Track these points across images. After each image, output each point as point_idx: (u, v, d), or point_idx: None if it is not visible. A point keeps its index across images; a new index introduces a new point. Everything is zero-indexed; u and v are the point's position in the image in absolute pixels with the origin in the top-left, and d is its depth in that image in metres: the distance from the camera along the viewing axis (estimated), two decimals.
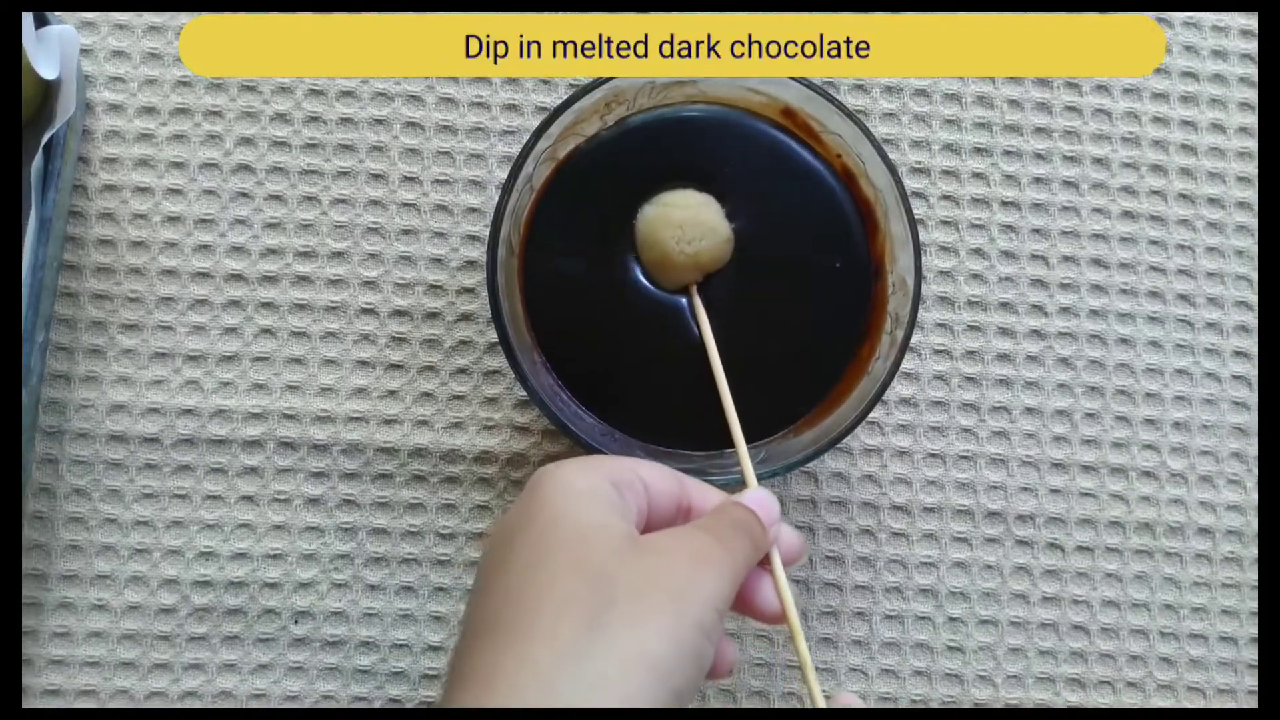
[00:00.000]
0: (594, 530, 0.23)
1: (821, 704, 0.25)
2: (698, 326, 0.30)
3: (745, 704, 0.34)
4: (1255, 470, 0.35)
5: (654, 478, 0.26)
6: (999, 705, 0.34)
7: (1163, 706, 0.34)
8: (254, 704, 0.32)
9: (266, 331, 0.33)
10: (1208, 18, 0.36)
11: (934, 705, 0.34)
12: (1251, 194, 0.36)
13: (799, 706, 0.34)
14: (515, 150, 0.34)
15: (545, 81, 0.34)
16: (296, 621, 0.33)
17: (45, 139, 0.30)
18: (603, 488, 0.25)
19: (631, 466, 0.26)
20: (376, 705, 0.33)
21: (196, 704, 0.32)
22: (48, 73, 0.30)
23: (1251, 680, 0.35)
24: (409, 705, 0.33)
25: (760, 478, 0.29)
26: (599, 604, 0.22)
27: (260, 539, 0.33)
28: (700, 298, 0.30)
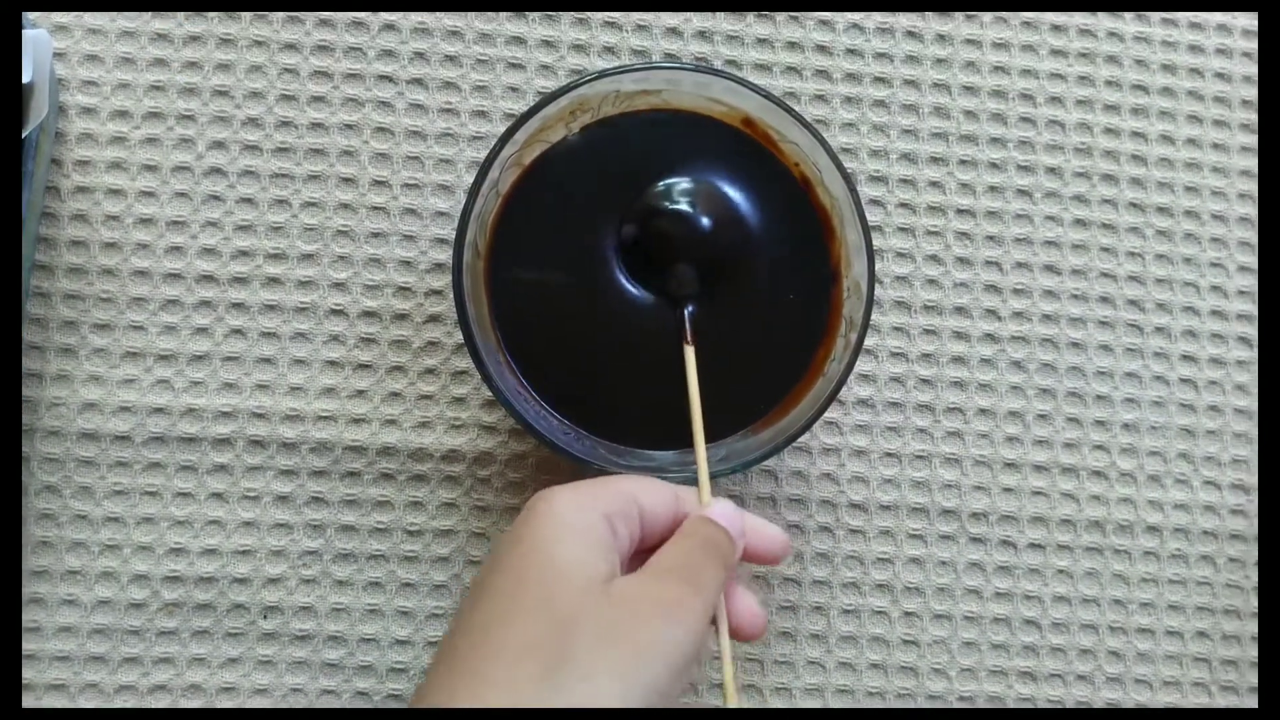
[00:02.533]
0: (570, 568, 0.24)
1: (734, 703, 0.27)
2: (685, 336, 0.31)
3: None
4: (1201, 470, 0.36)
5: (650, 500, 0.26)
6: (954, 697, 0.35)
7: (1111, 697, 0.36)
8: (223, 697, 0.33)
9: (237, 332, 0.34)
10: (1158, 32, 0.37)
11: (890, 697, 0.35)
12: (1198, 203, 0.37)
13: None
14: (483, 155, 0.35)
15: (513, 89, 0.35)
16: (265, 616, 0.33)
17: None
18: (593, 521, 0.25)
19: (630, 492, 0.26)
20: (344, 698, 0.33)
21: (166, 697, 0.33)
22: (22, 75, 0.30)
23: (1197, 673, 0.36)
24: (376, 698, 0.33)
25: (720, 475, 0.30)
26: (558, 655, 0.23)
27: (230, 535, 0.33)
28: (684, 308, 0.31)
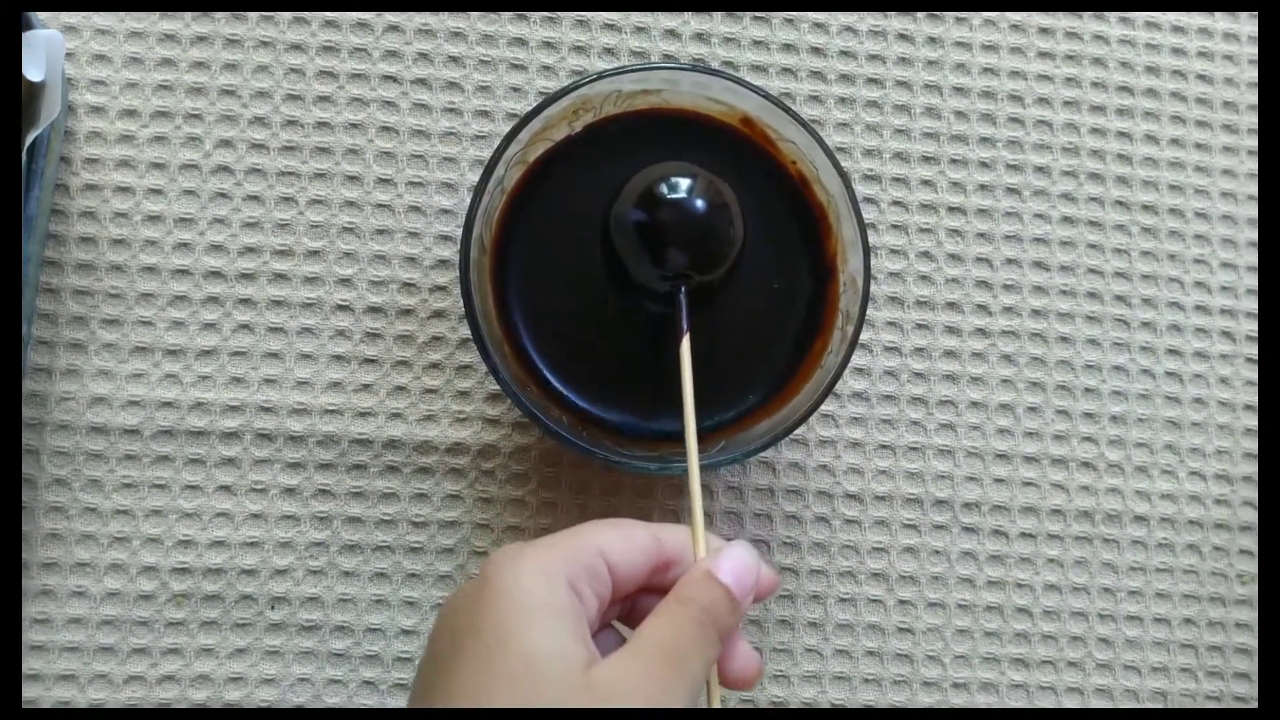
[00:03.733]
0: (544, 662, 0.22)
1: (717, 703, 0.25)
2: (682, 323, 0.29)
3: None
4: (1187, 461, 0.37)
5: (621, 553, 0.24)
6: (947, 684, 0.36)
7: (1101, 683, 0.36)
8: (231, 687, 0.34)
9: (244, 327, 0.34)
10: (1142, 35, 0.38)
11: (885, 684, 0.36)
12: (1182, 201, 0.38)
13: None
14: (486, 154, 0.35)
15: (515, 89, 0.36)
16: (273, 607, 0.34)
17: (30, 140, 0.31)
18: (558, 593, 0.23)
19: (597, 547, 0.24)
20: (351, 687, 0.34)
21: (174, 688, 0.33)
22: (34, 75, 0.31)
23: (1184, 659, 0.37)
24: (383, 687, 0.34)
25: (719, 465, 0.31)
26: None
27: (238, 527, 0.34)
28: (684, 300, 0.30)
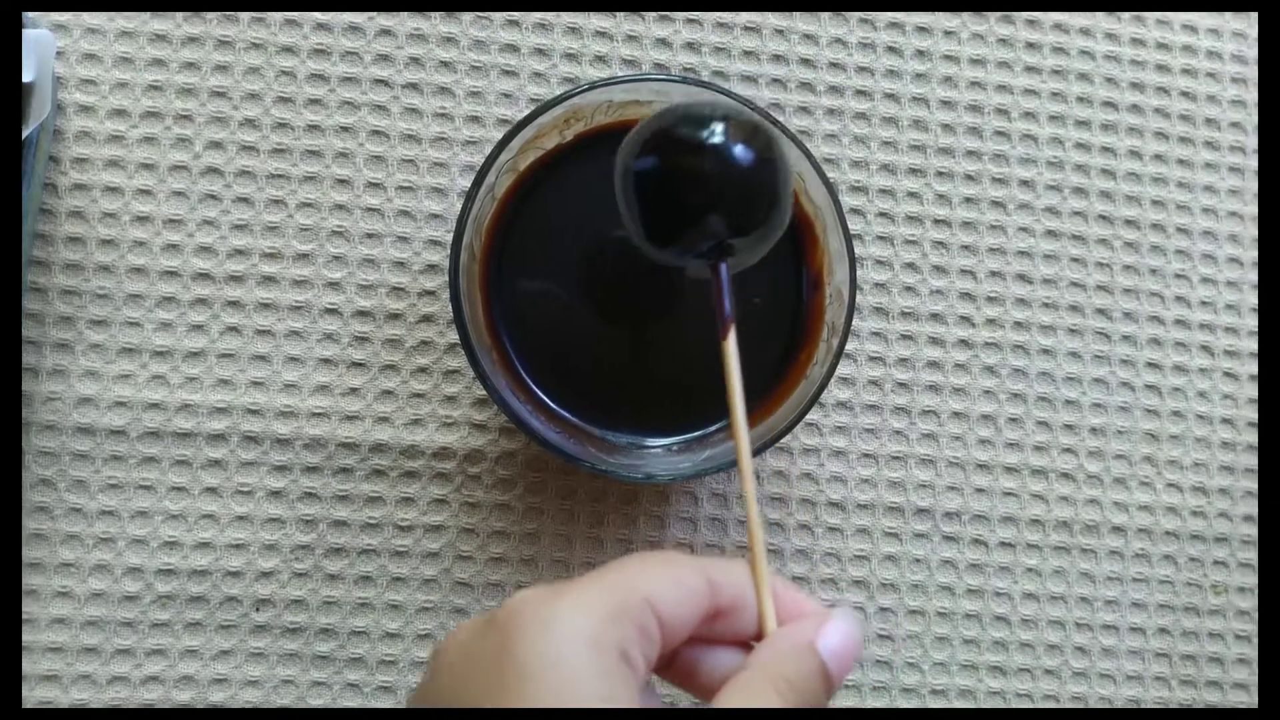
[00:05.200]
0: None
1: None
2: (725, 308, 0.24)
3: None
4: (1164, 473, 0.38)
5: (671, 603, 0.20)
6: (926, 690, 0.36)
7: (1077, 691, 0.37)
8: (215, 688, 0.34)
9: (232, 329, 0.35)
10: (1127, 52, 0.39)
11: (865, 690, 0.36)
12: (1164, 216, 0.39)
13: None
14: (477, 160, 0.36)
15: (506, 95, 0.36)
16: (258, 609, 0.34)
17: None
18: (613, 678, 0.18)
19: (644, 599, 0.19)
20: (335, 689, 0.34)
21: (158, 689, 0.33)
22: (24, 75, 0.30)
23: (1158, 668, 0.37)
24: (366, 690, 0.34)
25: (704, 474, 0.31)
26: None
27: (223, 529, 0.34)
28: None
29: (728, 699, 0.20)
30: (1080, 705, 0.37)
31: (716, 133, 0.24)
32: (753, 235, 0.25)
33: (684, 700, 0.35)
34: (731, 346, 0.24)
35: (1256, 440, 0.39)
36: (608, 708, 0.18)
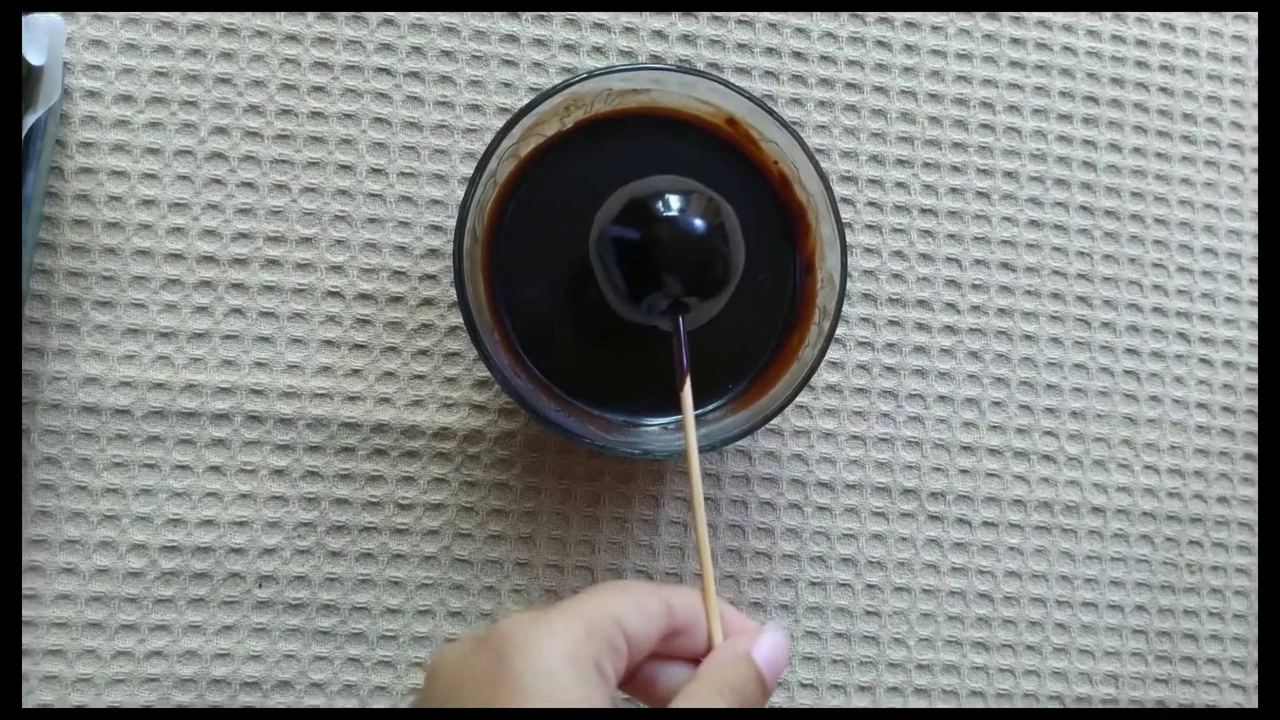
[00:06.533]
0: None
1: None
2: (682, 360, 0.28)
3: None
4: (1142, 456, 0.39)
5: (636, 623, 0.23)
6: (912, 665, 0.37)
7: (1058, 666, 0.38)
8: (218, 663, 0.34)
9: (236, 311, 0.35)
10: (1108, 48, 0.40)
11: (853, 665, 0.37)
12: (1143, 207, 0.40)
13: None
14: (478, 147, 0.36)
15: (506, 84, 0.37)
16: (260, 585, 0.35)
17: (29, 123, 0.32)
18: (589, 686, 0.22)
19: (615, 618, 0.23)
20: (336, 664, 0.35)
21: (162, 663, 0.34)
22: (35, 59, 0.31)
23: (1135, 644, 0.39)
24: (367, 664, 0.35)
25: (700, 451, 0.32)
26: None
27: (227, 507, 0.35)
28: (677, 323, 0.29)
29: (679, 703, 0.23)
30: (1061, 679, 0.38)
31: (673, 207, 0.29)
32: (706, 296, 0.30)
33: None
34: (687, 396, 0.28)
35: (1233, 425, 0.40)
36: (588, 708, 0.21)
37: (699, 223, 0.30)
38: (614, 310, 0.31)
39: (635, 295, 0.29)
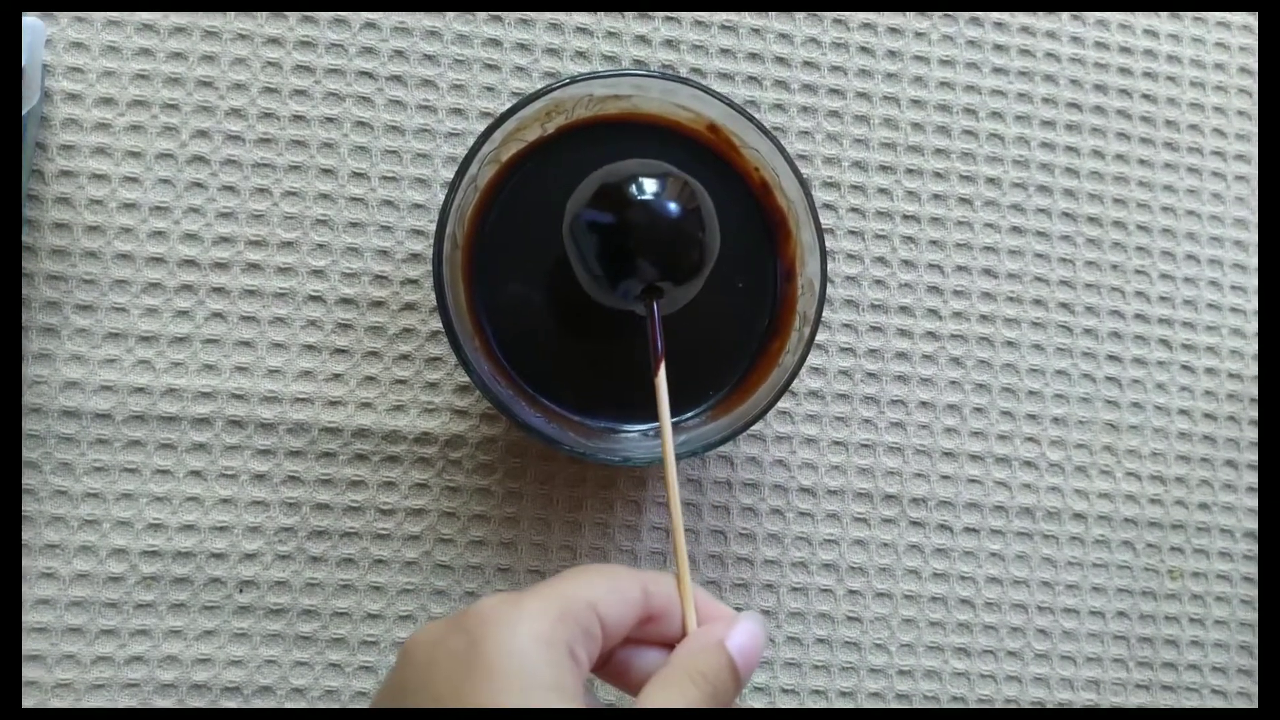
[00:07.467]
0: None
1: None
2: (657, 345, 0.28)
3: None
4: (1124, 462, 0.39)
5: (611, 607, 0.23)
6: (893, 671, 0.37)
7: (1039, 672, 0.38)
8: (198, 668, 0.34)
9: (217, 315, 0.35)
10: (1091, 54, 0.40)
11: (834, 670, 0.37)
12: (1125, 214, 0.40)
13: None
14: (459, 151, 0.36)
15: (489, 88, 0.37)
16: (241, 590, 0.35)
17: None
18: (561, 669, 0.21)
19: (589, 604, 0.23)
20: (317, 669, 0.35)
21: (142, 668, 0.34)
22: None
23: (1117, 649, 0.39)
24: (348, 670, 0.35)
25: (680, 458, 0.32)
26: None
27: (207, 512, 0.35)
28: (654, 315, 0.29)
29: (651, 689, 0.23)
30: (1042, 685, 0.38)
31: (647, 190, 0.29)
32: (680, 280, 0.29)
33: (626, 703, 0.36)
34: (662, 381, 0.27)
35: (1215, 431, 0.40)
36: (556, 708, 0.21)
37: (673, 206, 0.29)
38: (590, 297, 0.30)
39: (609, 279, 0.29)
